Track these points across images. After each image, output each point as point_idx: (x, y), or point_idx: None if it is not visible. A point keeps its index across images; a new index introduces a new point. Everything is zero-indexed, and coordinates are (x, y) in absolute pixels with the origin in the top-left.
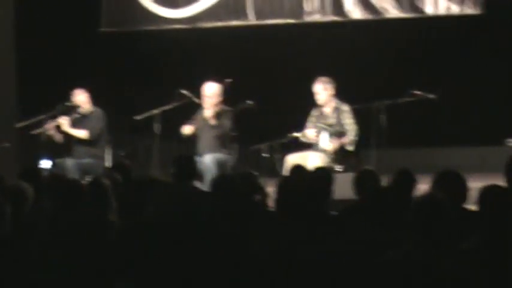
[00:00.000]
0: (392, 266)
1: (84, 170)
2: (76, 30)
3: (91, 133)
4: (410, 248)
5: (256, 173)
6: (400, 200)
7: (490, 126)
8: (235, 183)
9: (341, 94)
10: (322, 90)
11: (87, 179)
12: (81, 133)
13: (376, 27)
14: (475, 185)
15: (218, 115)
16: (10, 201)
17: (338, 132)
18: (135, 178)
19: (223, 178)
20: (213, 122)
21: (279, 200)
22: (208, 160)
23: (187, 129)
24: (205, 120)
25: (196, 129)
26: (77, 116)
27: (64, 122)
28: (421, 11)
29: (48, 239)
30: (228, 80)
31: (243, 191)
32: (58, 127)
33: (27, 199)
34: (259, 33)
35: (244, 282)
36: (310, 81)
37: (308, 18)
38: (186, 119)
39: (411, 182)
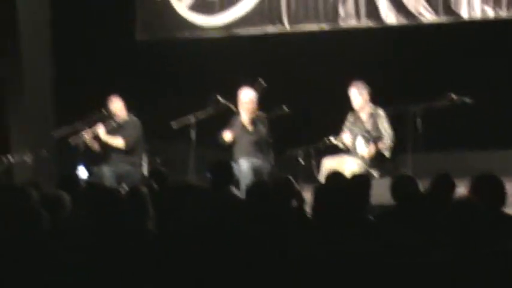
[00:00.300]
0: (430, 268)
1: (121, 178)
2: (112, 38)
3: (127, 141)
4: (448, 251)
5: (292, 179)
6: (439, 204)
7: None
8: (271, 190)
9: (376, 98)
10: (358, 95)
11: (124, 187)
12: (118, 141)
13: (412, 31)
14: None
15: (254, 121)
16: (48, 209)
17: (374, 138)
18: (171, 185)
19: (259, 184)
20: (249, 128)
21: (316, 206)
22: (244, 166)
23: (227, 136)
24: (241, 126)
25: (234, 136)
26: (113, 124)
27: (101, 130)
28: (457, 15)
29: (85, 247)
30: (261, 82)
31: (279, 197)
32: (95, 135)
33: (65, 207)
34: (294, 39)
35: None
36: (346, 86)
37: (343, 24)
38: (222, 125)
39: (450, 186)
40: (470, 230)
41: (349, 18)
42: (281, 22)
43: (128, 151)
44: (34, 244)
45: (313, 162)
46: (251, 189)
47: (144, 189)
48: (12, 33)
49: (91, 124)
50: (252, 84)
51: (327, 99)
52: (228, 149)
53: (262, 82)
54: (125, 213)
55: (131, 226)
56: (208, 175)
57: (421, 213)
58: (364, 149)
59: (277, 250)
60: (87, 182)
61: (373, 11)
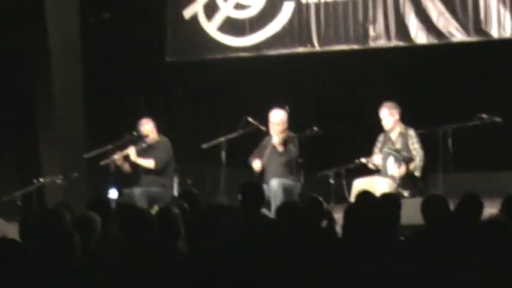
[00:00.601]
0: None
1: (152, 199)
2: (142, 60)
3: (158, 162)
4: (478, 272)
5: (322, 199)
6: (467, 224)
7: None
8: (301, 210)
9: (407, 119)
10: (388, 116)
11: (155, 208)
12: (149, 163)
13: (442, 51)
14: None
15: (285, 142)
16: (79, 231)
17: (405, 158)
18: (203, 206)
19: (289, 205)
20: (280, 149)
21: (347, 226)
22: (275, 187)
23: (256, 165)
24: (272, 147)
25: (265, 160)
26: (143, 145)
27: (131, 151)
28: (487, 35)
29: (117, 268)
30: (286, 108)
31: (309, 218)
32: (126, 157)
33: (96, 229)
34: (325, 59)
35: None
36: (376, 106)
37: (373, 44)
38: (253, 146)
39: (478, 206)
40: (501, 250)
41: (379, 38)
42: (311, 43)
43: (159, 172)
44: (66, 266)
45: (344, 183)
46: (281, 210)
47: (175, 210)
48: (43, 56)
49: (122, 146)
50: (283, 105)
51: (358, 119)
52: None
53: (287, 108)
54: (155, 234)
55: (162, 246)
56: (239, 196)
57: (451, 233)
58: (395, 170)
59: (308, 270)
60: (117, 203)
61: (403, 31)
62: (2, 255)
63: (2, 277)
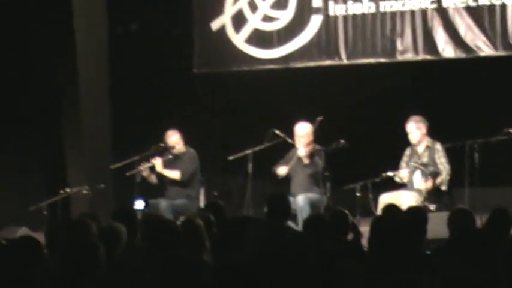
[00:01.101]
0: None
1: (178, 211)
2: (169, 71)
3: (184, 174)
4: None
5: (347, 212)
6: (495, 239)
7: None
8: (327, 223)
9: (434, 133)
10: (415, 129)
11: (181, 219)
12: (175, 174)
13: (469, 65)
14: None
15: (311, 155)
16: (104, 242)
17: (432, 172)
18: (229, 218)
19: (315, 218)
20: (306, 161)
21: (373, 239)
22: (301, 200)
23: (281, 170)
24: (298, 159)
25: (290, 169)
26: (170, 156)
27: (157, 163)
28: None
29: (142, 280)
30: (319, 118)
31: (335, 231)
32: (152, 168)
33: (121, 240)
34: (352, 72)
35: None
36: (404, 120)
37: (400, 58)
38: (279, 158)
39: (508, 222)
40: None
41: (406, 51)
42: (338, 56)
43: (185, 183)
44: (91, 277)
45: (370, 196)
46: (308, 222)
47: (199, 221)
48: (70, 67)
49: (148, 157)
50: (310, 117)
51: (384, 133)
52: (285, 183)
53: (320, 118)
54: (181, 245)
55: (187, 258)
56: (265, 208)
57: (478, 248)
58: (422, 183)
59: (333, 284)
60: (143, 214)
61: (430, 45)
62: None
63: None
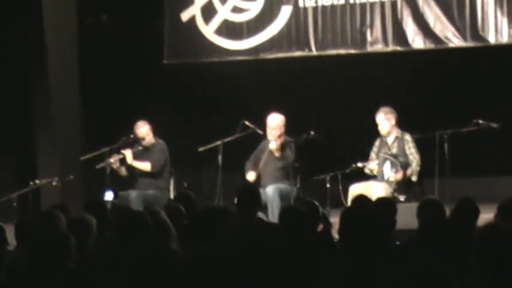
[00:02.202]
0: None
1: (148, 202)
2: (139, 62)
3: (154, 165)
4: (474, 278)
5: (318, 203)
6: (462, 229)
7: None
8: (304, 215)
9: (403, 123)
10: (385, 120)
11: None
12: (145, 165)
13: (438, 56)
14: None
15: (282, 147)
16: (75, 234)
17: (402, 163)
18: (200, 209)
19: (291, 209)
20: (277, 154)
21: (343, 230)
22: (271, 191)
23: (250, 176)
24: (269, 151)
25: (261, 166)
26: (139, 148)
27: (127, 154)
28: (484, 40)
29: (113, 271)
30: (312, 133)
31: (309, 222)
32: (122, 160)
33: (91, 231)
34: (322, 63)
35: None
36: (373, 111)
37: (370, 49)
38: (249, 149)
39: (474, 212)
40: (497, 255)
41: (376, 43)
42: (308, 47)
43: (155, 175)
44: (62, 269)
45: (340, 188)
46: (284, 214)
47: (158, 209)
48: (39, 58)
49: (118, 149)
50: (280, 109)
51: (354, 123)
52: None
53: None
54: (150, 236)
55: (156, 247)
56: (236, 199)
57: (447, 238)
58: (391, 174)
59: (305, 275)
60: (113, 205)
61: (400, 36)
62: None
63: None
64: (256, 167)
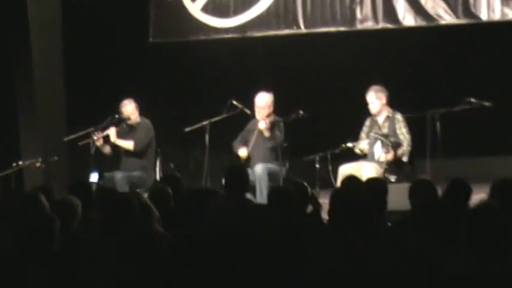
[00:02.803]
0: (448, 279)
1: (133, 183)
2: (124, 41)
3: (138, 144)
4: (465, 259)
5: (307, 184)
6: (455, 210)
7: None
8: (291, 195)
9: (394, 103)
10: (375, 99)
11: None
12: (128, 144)
13: (430, 33)
14: None
15: (271, 126)
16: (59, 215)
17: (393, 143)
18: (186, 190)
19: (281, 190)
20: (266, 134)
21: (332, 211)
22: (260, 169)
23: (242, 153)
24: (257, 131)
25: (249, 145)
26: (124, 127)
27: (111, 132)
28: (476, 17)
29: (98, 253)
30: (301, 113)
31: (298, 203)
32: (106, 138)
33: (76, 213)
34: (311, 42)
35: None
36: (363, 90)
37: (360, 26)
38: (237, 129)
39: (466, 192)
40: (489, 236)
41: (366, 20)
42: (297, 25)
43: (139, 154)
44: (45, 250)
45: (330, 168)
46: (273, 195)
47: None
48: (22, 37)
49: (103, 128)
50: (268, 87)
51: (344, 103)
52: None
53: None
54: (134, 217)
55: (140, 229)
56: (223, 180)
57: (439, 218)
58: (382, 155)
59: (295, 256)
60: (98, 187)
61: (390, 13)
62: None
63: None
64: (245, 147)
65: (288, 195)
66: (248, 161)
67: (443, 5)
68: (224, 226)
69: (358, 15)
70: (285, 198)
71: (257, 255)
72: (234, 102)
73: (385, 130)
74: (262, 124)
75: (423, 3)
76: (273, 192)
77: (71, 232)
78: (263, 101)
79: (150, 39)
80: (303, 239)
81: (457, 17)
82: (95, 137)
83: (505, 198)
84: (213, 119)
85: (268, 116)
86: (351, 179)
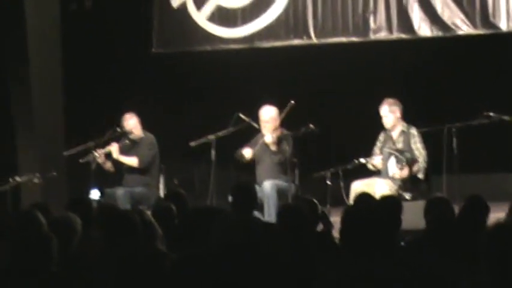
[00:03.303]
0: None
1: (136, 200)
2: (126, 51)
3: (142, 160)
4: (484, 279)
5: (317, 202)
6: (472, 229)
7: None
8: (301, 214)
9: (409, 116)
10: (389, 113)
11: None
12: (132, 160)
13: (446, 44)
14: None
15: (278, 140)
16: (57, 234)
17: (409, 159)
18: (191, 208)
19: (289, 208)
20: (273, 148)
21: (344, 230)
22: (268, 186)
23: (247, 153)
24: (265, 146)
25: (255, 154)
26: (127, 142)
27: (114, 149)
28: (495, 27)
29: (98, 273)
30: (291, 103)
31: (308, 222)
32: (107, 154)
33: (76, 231)
34: (322, 52)
35: None
36: (377, 103)
37: (373, 36)
38: (244, 144)
39: (484, 210)
40: (508, 255)
41: (380, 30)
42: (307, 35)
43: (142, 171)
44: (42, 272)
45: (342, 185)
46: (282, 213)
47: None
48: (20, 48)
49: (104, 143)
50: (277, 101)
51: (357, 116)
52: (250, 169)
53: (291, 103)
54: (136, 235)
55: (143, 248)
56: (230, 198)
57: (455, 238)
58: (396, 171)
59: (304, 277)
60: (99, 204)
61: (405, 23)
62: None
63: None
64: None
65: (297, 214)
66: (251, 162)
67: (461, 15)
68: (230, 246)
69: (372, 24)
70: (294, 217)
71: (265, 276)
72: (241, 115)
73: (399, 145)
74: (269, 138)
75: (440, 13)
76: (282, 211)
77: (70, 251)
78: (268, 114)
79: (153, 50)
80: (314, 260)
81: (475, 27)
82: (97, 154)
83: None
84: (220, 133)
85: (274, 129)
86: (364, 197)
